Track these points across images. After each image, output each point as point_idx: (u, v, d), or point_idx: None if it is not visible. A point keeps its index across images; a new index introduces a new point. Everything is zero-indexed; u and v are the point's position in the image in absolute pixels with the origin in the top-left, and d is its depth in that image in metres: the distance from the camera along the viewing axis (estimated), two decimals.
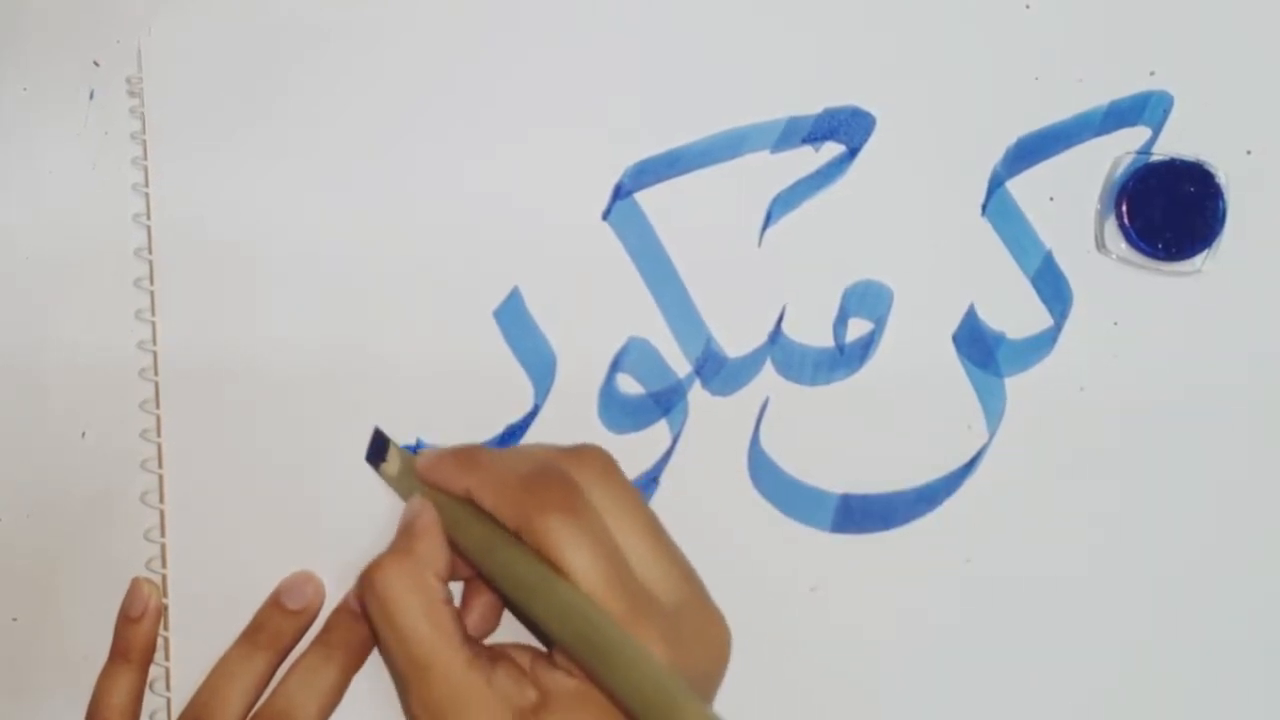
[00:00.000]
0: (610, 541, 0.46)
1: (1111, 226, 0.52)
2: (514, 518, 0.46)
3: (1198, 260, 0.52)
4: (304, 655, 0.52)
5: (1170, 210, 0.52)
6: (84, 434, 0.54)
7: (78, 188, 0.54)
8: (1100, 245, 0.52)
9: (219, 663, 0.52)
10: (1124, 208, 0.52)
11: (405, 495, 0.51)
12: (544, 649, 0.49)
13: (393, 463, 0.51)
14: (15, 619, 0.54)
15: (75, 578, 0.53)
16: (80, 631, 0.53)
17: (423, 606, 0.46)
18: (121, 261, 0.53)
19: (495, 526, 0.47)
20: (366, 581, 0.47)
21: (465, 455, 0.49)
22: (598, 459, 0.48)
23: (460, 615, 0.47)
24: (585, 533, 0.45)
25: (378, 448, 0.52)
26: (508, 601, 0.50)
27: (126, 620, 0.53)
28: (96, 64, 0.54)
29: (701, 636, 0.47)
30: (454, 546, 0.48)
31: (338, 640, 0.52)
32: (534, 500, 0.46)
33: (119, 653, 0.52)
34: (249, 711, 0.51)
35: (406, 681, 0.46)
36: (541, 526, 0.45)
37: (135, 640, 0.52)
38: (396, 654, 0.46)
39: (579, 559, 0.45)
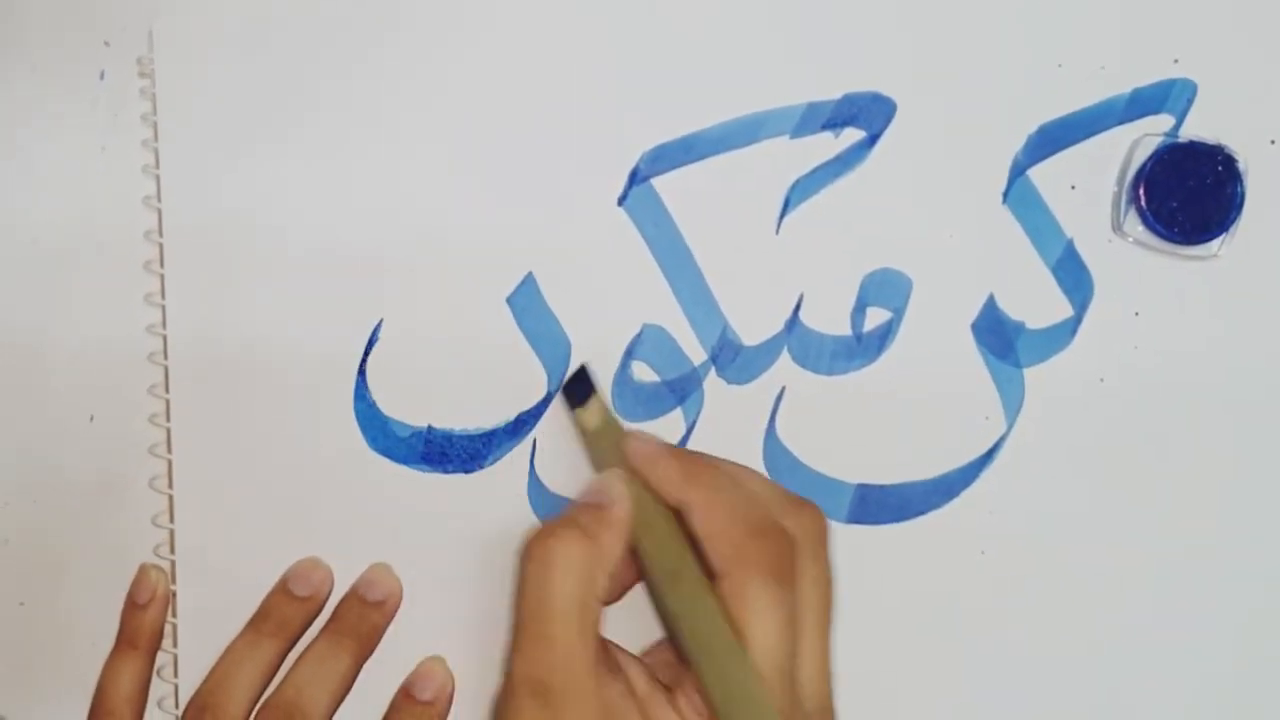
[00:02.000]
0: (796, 624, 0.45)
1: (1129, 209, 0.52)
2: (722, 558, 0.44)
3: (1214, 245, 0.52)
4: (314, 643, 0.52)
5: (1188, 194, 0.51)
6: (92, 418, 0.53)
7: (87, 169, 0.53)
8: (1117, 228, 0.52)
9: (227, 650, 0.52)
10: (1141, 190, 0.51)
11: (592, 451, 0.50)
12: (661, 679, 0.47)
13: (593, 415, 0.50)
14: (22, 604, 0.53)
15: (82, 563, 0.53)
16: (87, 617, 0.53)
17: (580, 596, 0.44)
18: (131, 244, 0.53)
19: (686, 551, 0.46)
20: (539, 548, 0.45)
21: (692, 465, 0.47)
22: (818, 523, 0.47)
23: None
24: (783, 611, 0.44)
25: (580, 389, 0.50)
26: (668, 628, 0.48)
27: (133, 606, 0.52)
28: (107, 44, 0.54)
29: None
30: (631, 548, 0.47)
31: (348, 629, 0.51)
32: (752, 552, 0.44)
33: (126, 639, 0.52)
34: (257, 698, 0.51)
35: (526, 645, 0.45)
36: (747, 585, 0.44)
37: (142, 627, 0.52)
38: (531, 619, 0.45)
39: (766, 635, 0.43)
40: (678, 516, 0.46)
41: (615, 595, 0.49)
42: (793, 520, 0.46)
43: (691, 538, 0.46)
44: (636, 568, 0.48)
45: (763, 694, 0.43)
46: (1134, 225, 0.52)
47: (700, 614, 0.44)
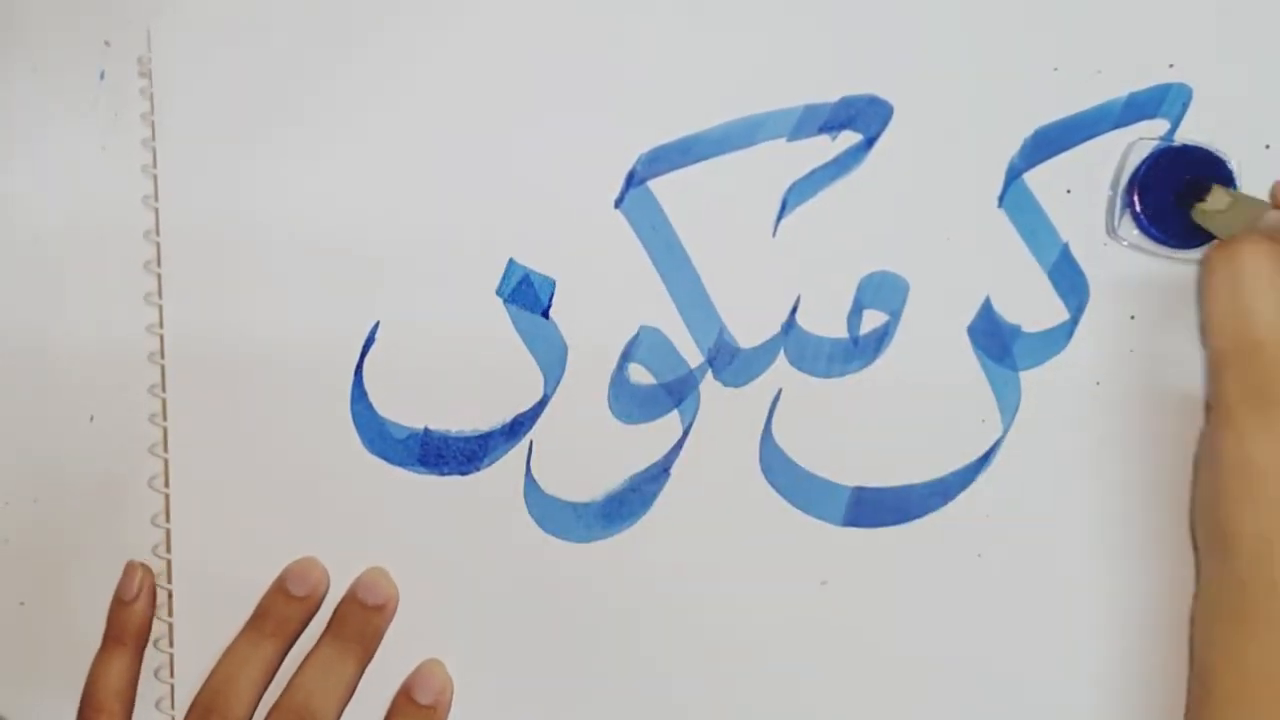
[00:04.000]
0: None
1: (1123, 212, 0.52)
2: None
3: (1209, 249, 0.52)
4: (318, 649, 0.52)
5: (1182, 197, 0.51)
6: (91, 418, 0.53)
7: (88, 169, 0.54)
8: (1111, 232, 0.52)
9: (228, 650, 0.52)
10: (1136, 194, 0.51)
11: (1223, 231, 0.49)
12: None
13: (1218, 199, 0.50)
14: (22, 603, 0.54)
15: (82, 562, 0.53)
16: (87, 617, 0.53)
17: (1277, 290, 0.44)
18: (131, 244, 0.53)
19: None
20: (1223, 253, 0.46)
21: None
22: None
23: None
24: None
25: (1195, 188, 0.50)
26: None
27: (120, 603, 0.53)
28: (107, 44, 0.54)
29: None
30: None
31: (351, 633, 0.52)
32: None
33: (113, 636, 0.53)
34: (259, 697, 0.52)
35: (1233, 362, 0.45)
36: None
37: (129, 623, 0.52)
38: (1229, 329, 0.45)
39: None
40: None
41: None
42: None
43: None
44: None
45: None
46: (1129, 229, 0.52)
47: None
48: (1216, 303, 0.46)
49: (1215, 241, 0.46)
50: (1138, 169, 0.51)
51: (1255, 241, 0.45)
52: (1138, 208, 0.51)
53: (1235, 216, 0.49)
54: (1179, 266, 0.52)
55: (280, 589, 0.52)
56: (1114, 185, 0.52)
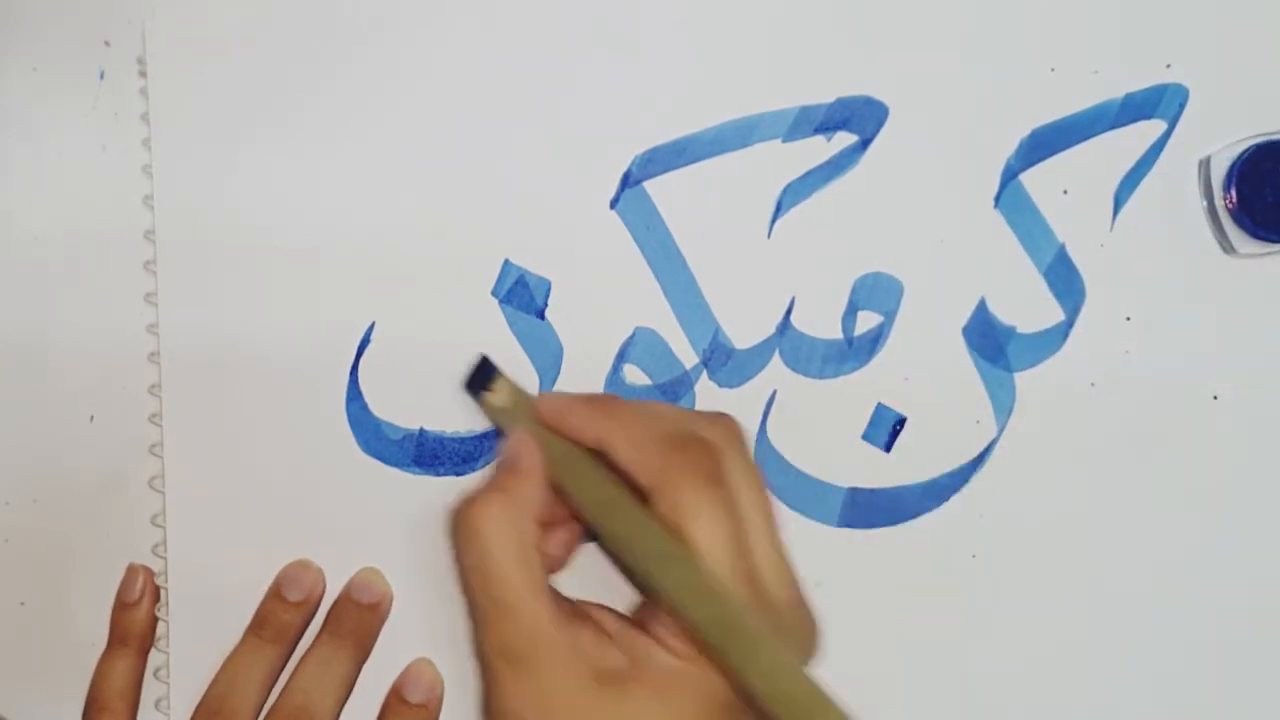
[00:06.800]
0: (740, 522, 0.45)
1: (1227, 220, 0.51)
2: (650, 476, 0.45)
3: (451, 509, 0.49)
4: (314, 647, 0.52)
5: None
6: (92, 418, 0.54)
7: (88, 169, 0.54)
8: (1229, 250, 0.51)
9: (230, 656, 0.52)
10: (1233, 192, 0.51)
11: (506, 427, 0.50)
12: (628, 615, 0.48)
13: (500, 394, 0.50)
14: (23, 603, 0.54)
15: (83, 562, 0.54)
16: (87, 617, 0.53)
17: (515, 549, 0.45)
18: (131, 244, 0.53)
19: (616, 484, 0.46)
20: (461, 516, 0.46)
21: (602, 402, 0.48)
22: (735, 429, 0.47)
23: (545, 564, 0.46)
24: (721, 509, 0.44)
25: (482, 375, 0.51)
26: (617, 560, 0.48)
27: (122, 606, 0.53)
28: (107, 44, 0.54)
29: (798, 638, 0.46)
30: (558, 492, 0.47)
31: (346, 631, 0.52)
32: (676, 463, 0.45)
33: (117, 638, 0.53)
34: (264, 701, 0.52)
35: (485, 620, 0.45)
36: (680, 494, 0.44)
37: (132, 625, 0.52)
38: (479, 591, 0.45)
39: (711, 536, 0.44)
40: (603, 459, 0.47)
41: (561, 556, 0.49)
42: (709, 430, 0.46)
43: (618, 472, 0.46)
44: (580, 527, 0.49)
45: (722, 585, 0.43)
46: (1240, 238, 0.51)
47: (641, 533, 0.45)
48: (464, 561, 0.46)
49: (455, 502, 0.46)
50: (1232, 167, 0.51)
51: (486, 504, 0.45)
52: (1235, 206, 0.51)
53: (514, 416, 0.49)
54: (1174, 267, 0.52)
55: (276, 595, 0.52)
56: (1202, 188, 0.51)
